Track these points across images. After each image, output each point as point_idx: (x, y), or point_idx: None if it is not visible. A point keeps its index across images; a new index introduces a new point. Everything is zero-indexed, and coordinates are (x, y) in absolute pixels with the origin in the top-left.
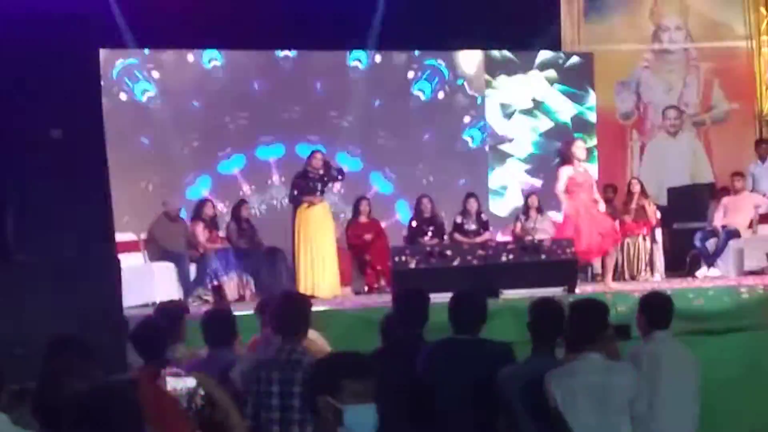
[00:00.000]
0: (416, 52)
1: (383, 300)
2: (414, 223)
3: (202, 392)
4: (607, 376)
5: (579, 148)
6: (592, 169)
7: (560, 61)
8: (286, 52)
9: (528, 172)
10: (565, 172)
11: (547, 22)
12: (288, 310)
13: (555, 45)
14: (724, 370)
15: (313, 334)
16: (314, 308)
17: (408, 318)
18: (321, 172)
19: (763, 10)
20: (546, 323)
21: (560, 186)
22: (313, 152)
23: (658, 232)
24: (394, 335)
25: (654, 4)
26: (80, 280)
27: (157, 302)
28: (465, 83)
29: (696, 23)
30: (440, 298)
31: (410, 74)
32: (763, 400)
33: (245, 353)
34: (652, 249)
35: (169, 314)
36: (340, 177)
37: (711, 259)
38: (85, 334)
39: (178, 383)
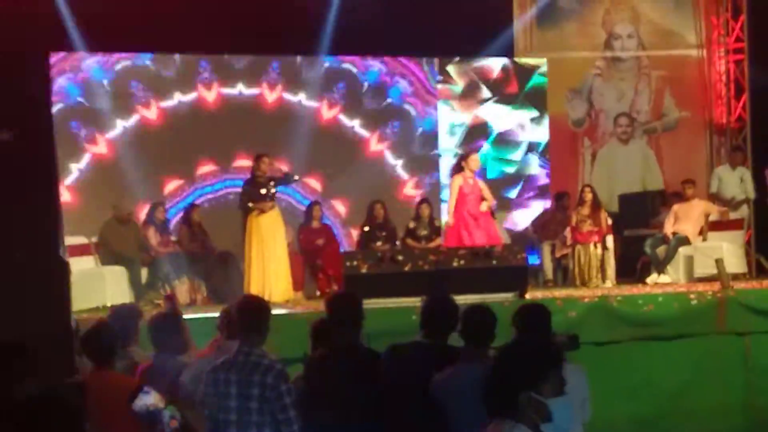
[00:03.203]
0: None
1: None
2: (366, 229)
3: (178, 417)
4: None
5: (473, 160)
6: (481, 182)
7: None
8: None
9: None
10: (456, 183)
11: (500, 29)
12: (246, 312)
13: (507, 52)
14: (674, 375)
15: None
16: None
17: (345, 323)
18: (269, 175)
19: (713, 18)
20: (479, 328)
21: (452, 198)
22: (259, 156)
23: (609, 239)
24: (331, 341)
25: (606, 12)
26: (29, 283)
27: (109, 306)
28: (415, 88)
29: (648, 31)
30: (391, 303)
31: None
32: (711, 404)
33: (195, 358)
34: (603, 256)
35: (123, 317)
36: (291, 180)
37: (661, 266)
38: (33, 339)
39: (149, 400)
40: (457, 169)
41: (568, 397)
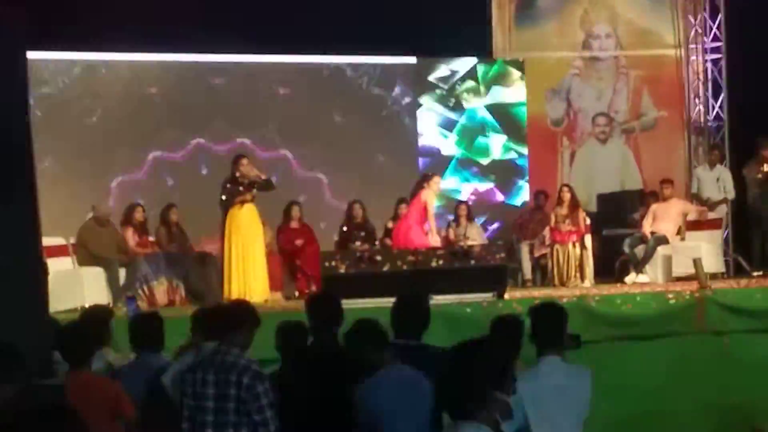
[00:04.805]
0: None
1: None
2: (345, 229)
3: None
4: (569, 378)
5: (436, 183)
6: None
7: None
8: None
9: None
10: (431, 200)
11: (478, 29)
12: (227, 313)
13: (486, 52)
14: (652, 375)
15: None
16: None
17: (324, 323)
18: (251, 180)
19: (691, 18)
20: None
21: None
22: (238, 158)
23: (588, 239)
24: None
25: (584, 12)
26: (5, 283)
27: (87, 307)
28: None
29: (626, 31)
30: (370, 304)
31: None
32: (689, 403)
33: (178, 358)
34: (581, 255)
35: (95, 318)
36: (271, 187)
37: (639, 266)
38: (10, 339)
39: None
40: (420, 188)
41: (518, 395)
